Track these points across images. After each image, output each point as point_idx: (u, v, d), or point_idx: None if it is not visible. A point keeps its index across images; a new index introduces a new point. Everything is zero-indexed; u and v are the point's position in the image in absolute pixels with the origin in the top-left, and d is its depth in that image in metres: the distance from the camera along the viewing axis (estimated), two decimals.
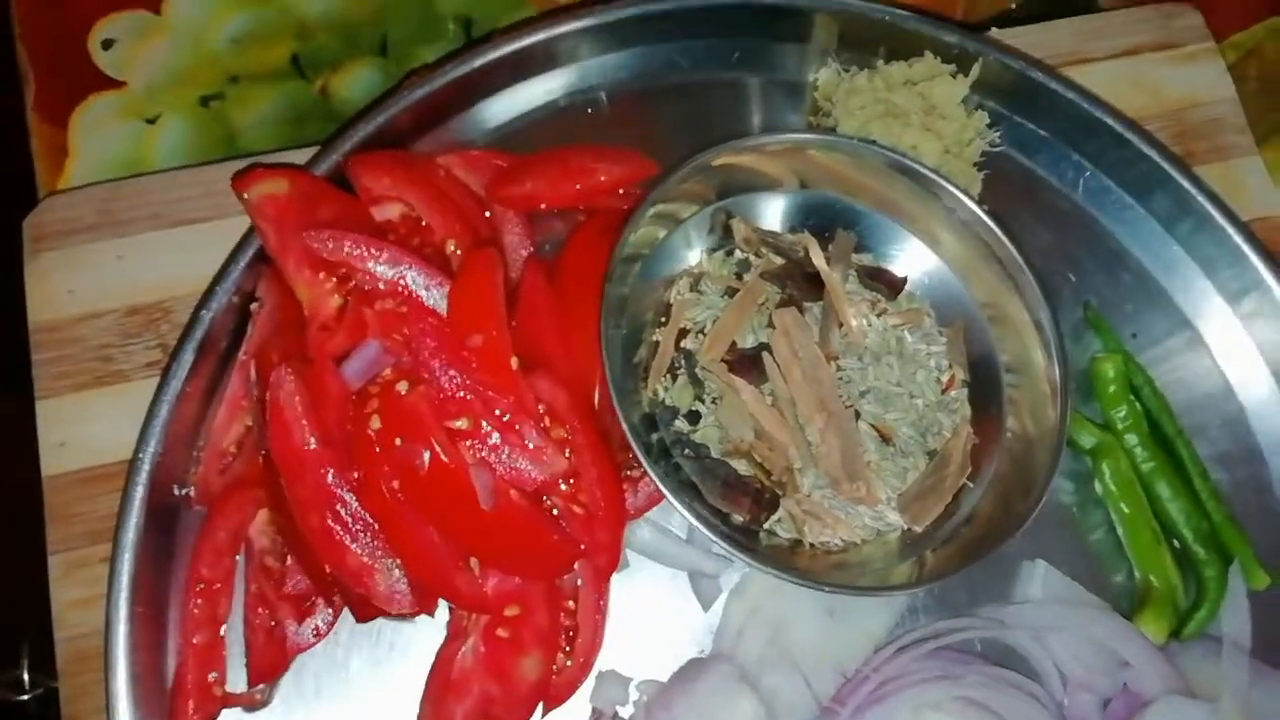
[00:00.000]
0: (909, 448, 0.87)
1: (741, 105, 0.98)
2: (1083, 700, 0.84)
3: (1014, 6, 1.13)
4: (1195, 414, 0.95)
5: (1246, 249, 0.95)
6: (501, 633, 0.77)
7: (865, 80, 0.91)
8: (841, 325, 0.89)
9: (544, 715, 0.80)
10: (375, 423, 0.72)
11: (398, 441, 0.71)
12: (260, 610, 0.78)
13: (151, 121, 0.99)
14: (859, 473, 0.84)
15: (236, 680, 0.81)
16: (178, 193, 0.91)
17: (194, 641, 0.77)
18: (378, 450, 0.72)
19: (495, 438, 0.73)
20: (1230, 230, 0.95)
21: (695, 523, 0.76)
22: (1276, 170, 1.10)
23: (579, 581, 0.81)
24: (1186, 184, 0.96)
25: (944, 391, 0.90)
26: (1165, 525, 0.91)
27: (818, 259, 0.90)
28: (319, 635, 0.77)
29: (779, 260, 0.91)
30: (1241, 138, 1.05)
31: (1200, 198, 0.96)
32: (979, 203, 0.87)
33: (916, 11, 0.97)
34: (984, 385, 0.90)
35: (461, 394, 0.73)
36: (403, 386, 0.73)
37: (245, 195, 0.80)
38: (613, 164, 0.89)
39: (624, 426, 0.75)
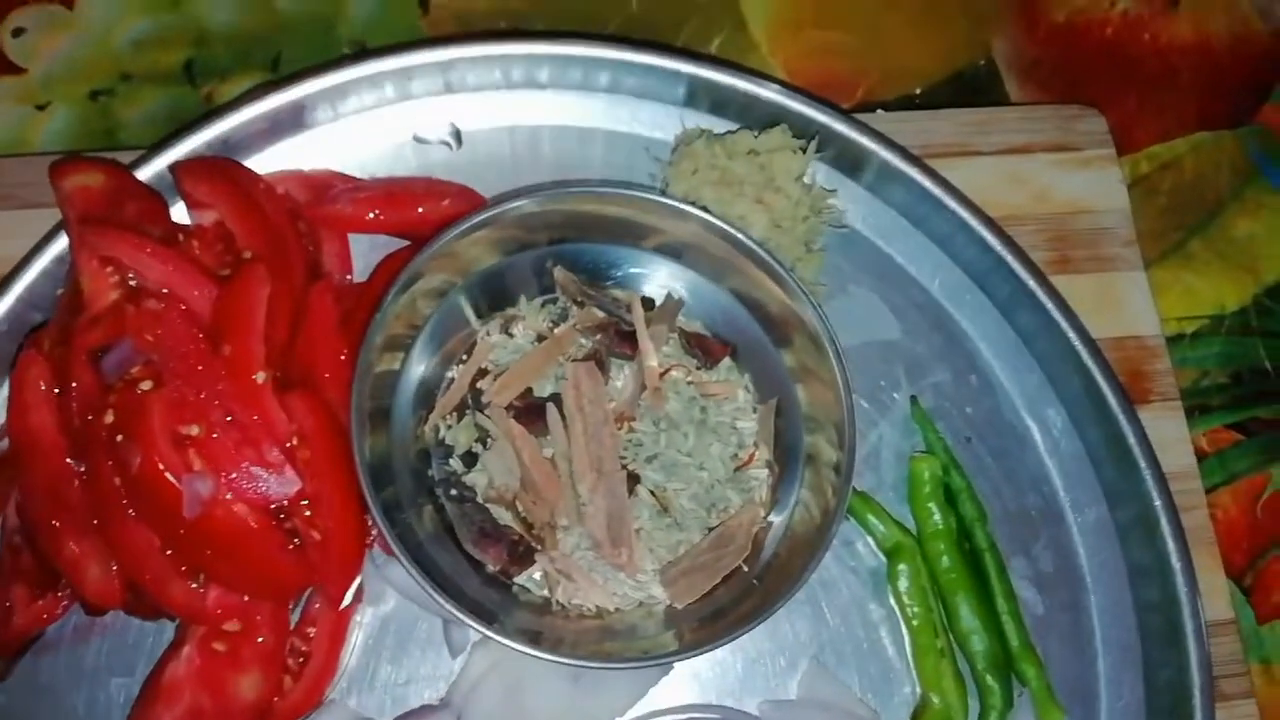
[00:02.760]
0: (686, 520, 0.84)
1: (600, 155, 0.98)
2: None
3: (918, 93, 1.11)
4: (1021, 528, 0.91)
5: (1098, 377, 0.90)
6: (218, 646, 0.76)
7: (703, 145, 0.90)
8: (645, 388, 0.87)
9: None
10: (109, 417, 0.73)
11: (119, 438, 0.72)
12: (1, 587, 0.79)
13: (41, 108, 1.04)
14: (623, 538, 0.82)
15: None
16: (32, 177, 0.93)
17: None
18: (104, 445, 0.72)
19: (226, 448, 0.73)
20: (1084, 355, 0.91)
21: (418, 580, 0.73)
22: (1167, 291, 1.05)
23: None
24: (1044, 297, 0.92)
25: (740, 469, 0.87)
26: (959, 642, 0.86)
27: (637, 318, 0.88)
28: (44, 620, 0.78)
29: (600, 314, 0.90)
30: (1127, 250, 1.00)
31: (1057, 314, 0.92)
32: (797, 279, 0.84)
33: (787, 86, 0.96)
34: (787, 468, 0.87)
35: (200, 400, 0.73)
36: (146, 385, 0.74)
37: (59, 184, 0.82)
38: (439, 197, 0.90)
39: (357, 464, 0.74)
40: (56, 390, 0.76)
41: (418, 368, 0.86)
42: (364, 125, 0.96)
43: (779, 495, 0.86)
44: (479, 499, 0.83)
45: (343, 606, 0.80)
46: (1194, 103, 1.14)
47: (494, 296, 0.89)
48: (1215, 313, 1.06)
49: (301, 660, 0.80)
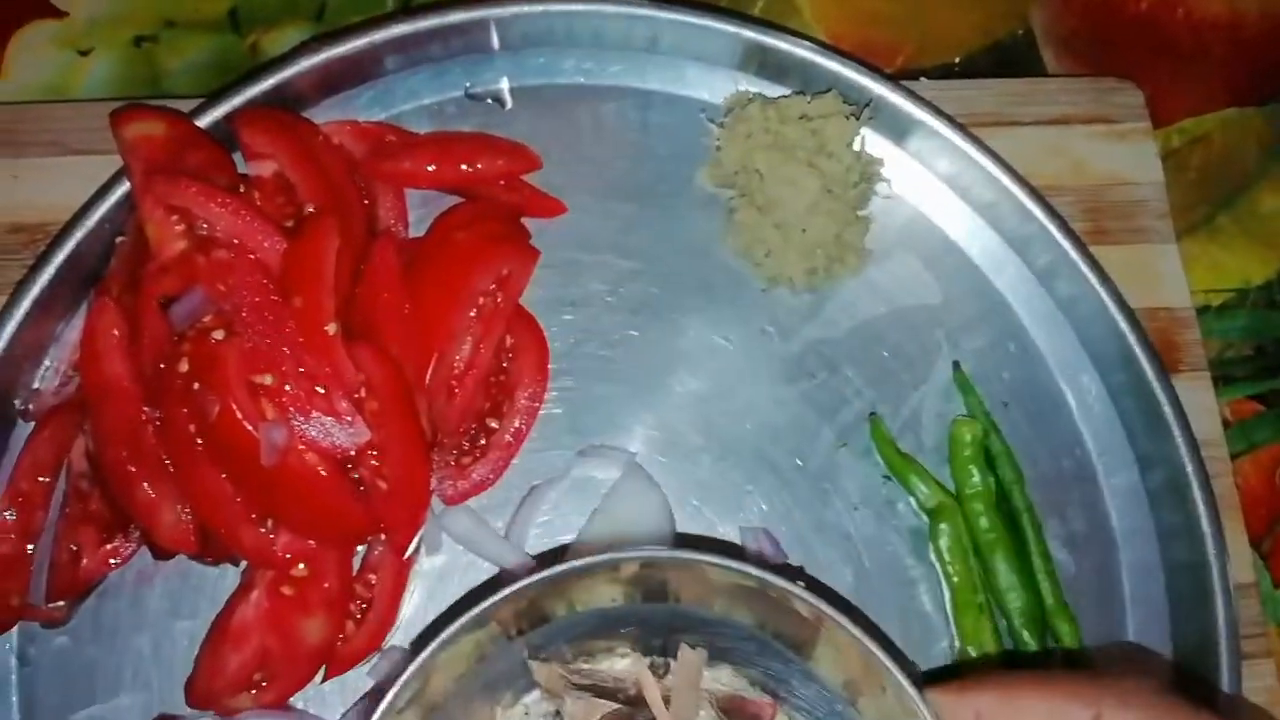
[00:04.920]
0: None
1: (646, 116, 0.99)
2: None
3: (957, 62, 1.12)
4: (1054, 490, 0.93)
5: (1134, 345, 0.92)
6: (286, 590, 0.78)
7: (757, 109, 0.91)
8: None
9: (324, 680, 0.81)
10: (184, 366, 0.74)
11: (196, 386, 0.72)
12: (67, 530, 0.80)
13: (84, 54, 1.03)
14: None
15: None
16: (81, 124, 0.93)
17: None
18: (180, 393, 0.73)
19: (299, 398, 0.74)
20: (1121, 323, 0.93)
21: None
22: (1195, 263, 1.08)
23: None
24: (1084, 266, 0.94)
25: None
26: (996, 599, 0.89)
27: (652, 696, 0.72)
28: (112, 564, 0.79)
29: (603, 704, 0.72)
30: (1160, 223, 1.03)
31: (1096, 283, 0.94)
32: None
33: (837, 52, 0.97)
34: None
35: (273, 351, 0.74)
36: (219, 334, 0.75)
37: (121, 132, 0.82)
38: (496, 155, 0.90)
39: None
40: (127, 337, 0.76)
41: None
42: (416, 80, 0.96)
43: None
44: None
45: (406, 555, 0.81)
46: (1224, 78, 1.16)
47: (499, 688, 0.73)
48: (1240, 286, 1.09)
49: (363, 606, 0.81)
